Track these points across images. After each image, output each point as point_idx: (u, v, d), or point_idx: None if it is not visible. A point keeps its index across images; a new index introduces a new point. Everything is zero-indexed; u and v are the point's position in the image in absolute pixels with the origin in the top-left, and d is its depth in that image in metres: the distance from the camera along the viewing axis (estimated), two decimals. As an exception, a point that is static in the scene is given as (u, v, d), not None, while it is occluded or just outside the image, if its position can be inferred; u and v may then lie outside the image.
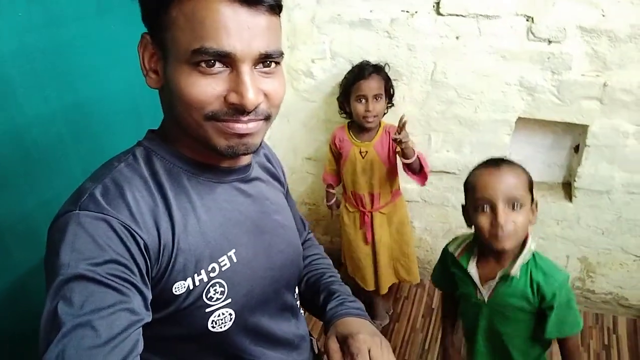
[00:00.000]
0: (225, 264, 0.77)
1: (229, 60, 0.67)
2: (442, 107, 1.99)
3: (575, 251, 2.15)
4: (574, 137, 2.02)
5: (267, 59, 0.70)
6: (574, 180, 2.01)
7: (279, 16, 0.72)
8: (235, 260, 0.79)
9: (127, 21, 1.36)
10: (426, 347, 2.19)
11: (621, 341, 2.14)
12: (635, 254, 2.06)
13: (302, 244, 1.10)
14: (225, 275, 0.77)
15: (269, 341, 0.88)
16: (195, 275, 0.74)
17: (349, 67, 2.01)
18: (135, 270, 0.67)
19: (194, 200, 0.76)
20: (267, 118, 0.73)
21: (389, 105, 1.96)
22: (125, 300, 0.64)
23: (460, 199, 2.19)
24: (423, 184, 1.94)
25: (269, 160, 0.95)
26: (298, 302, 0.99)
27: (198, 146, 0.75)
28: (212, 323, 0.77)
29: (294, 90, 2.13)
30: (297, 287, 0.98)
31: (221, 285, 0.77)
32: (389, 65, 1.93)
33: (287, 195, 1.01)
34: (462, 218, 2.25)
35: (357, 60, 1.98)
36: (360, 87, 1.85)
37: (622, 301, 2.20)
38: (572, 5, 1.68)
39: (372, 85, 1.84)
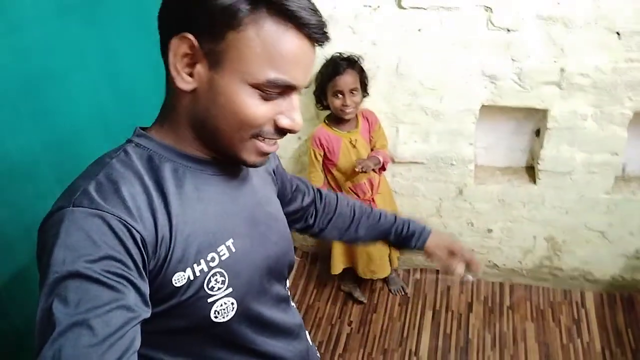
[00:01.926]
0: (225, 254, 0.78)
1: (288, 90, 0.72)
2: (408, 99, 2.02)
3: (542, 231, 2.23)
4: (535, 121, 2.09)
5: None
6: (537, 163, 2.08)
7: None
8: (234, 249, 0.80)
9: (88, 22, 1.33)
10: (405, 334, 2.23)
11: (590, 314, 2.24)
12: (598, 230, 2.16)
13: (317, 201, 1.16)
14: (225, 265, 0.78)
15: (271, 330, 0.90)
16: (195, 265, 0.75)
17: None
18: (132, 265, 0.67)
19: (189, 192, 0.76)
20: None
21: (365, 95, 2.01)
22: (121, 298, 0.64)
23: (430, 188, 2.25)
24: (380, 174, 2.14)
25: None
26: (289, 292, 1.01)
27: (203, 145, 0.77)
28: (214, 313, 0.78)
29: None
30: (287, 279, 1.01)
31: (222, 275, 0.78)
32: (362, 58, 1.96)
33: (277, 171, 1.04)
34: (432, 206, 2.31)
35: (322, 56, 1.99)
36: (337, 83, 1.91)
37: (588, 276, 2.29)
38: (528, -6, 1.74)
39: (347, 81, 1.90)
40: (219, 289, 0.77)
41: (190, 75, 0.71)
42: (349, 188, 2.10)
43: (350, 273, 2.35)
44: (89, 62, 1.32)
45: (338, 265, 2.27)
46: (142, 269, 0.69)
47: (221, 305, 0.78)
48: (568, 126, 1.95)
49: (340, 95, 1.93)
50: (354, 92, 1.93)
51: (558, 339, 2.15)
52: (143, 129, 0.81)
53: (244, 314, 0.83)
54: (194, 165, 0.78)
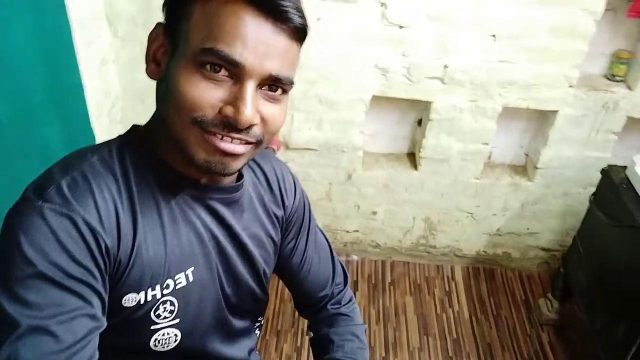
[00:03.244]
0: (181, 282, 0.75)
1: (236, 71, 0.63)
2: (305, 88, 2.06)
3: (420, 213, 2.43)
4: (418, 112, 2.26)
5: (276, 83, 0.67)
6: (419, 151, 2.25)
7: (300, 47, 0.70)
8: (191, 279, 0.76)
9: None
10: (296, 315, 2.30)
11: (459, 286, 2.50)
12: (467, 211, 2.40)
13: (326, 305, 1.05)
14: (179, 294, 0.75)
15: None
16: (149, 289, 0.71)
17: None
18: (97, 273, 0.64)
19: (161, 210, 0.72)
20: (259, 143, 0.70)
21: None
22: (85, 306, 0.62)
23: (321, 173, 2.32)
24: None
25: (274, 195, 0.90)
26: (256, 324, 0.98)
27: (178, 154, 0.70)
28: (154, 342, 0.75)
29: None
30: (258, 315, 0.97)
31: (172, 304, 0.74)
32: None
33: (299, 237, 0.96)
34: (322, 190, 2.39)
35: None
36: None
37: (457, 252, 2.55)
38: (420, -6, 1.86)
39: None
40: (165, 317, 0.74)
41: (159, 65, 0.69)
42: None
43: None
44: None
45: None
46: (105, 278, 0.66)
47: (163, 334, 0.75)
48: (447, 118, 2.13)
49: None
50: None
51: (433, 310, 2.37)
52: (137, 127, 0.76)
53: (187, 347, 0.80)
54: (172, 180, 0.73)
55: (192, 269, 0.76)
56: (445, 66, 2.00)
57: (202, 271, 0.78)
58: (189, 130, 0.65)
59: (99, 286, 0.64)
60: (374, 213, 2.44)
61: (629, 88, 2.02)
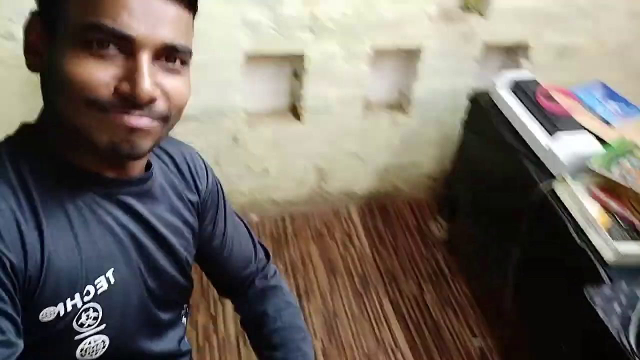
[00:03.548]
0: (102, 286, 0.71)
1: (127, 44, 0.60)
2: (174, 55, 1.97)
3: (311, 163, 2.48)
4: (293, 64, 2.26)
5: (173, 54, 0.64)
6: (300, 103, 2.27)
7: (192, 15, 0.68)
8: (112, 281, 0.73)
9: None
10: (205, 283, 2.29)
11: (357, 225, 2.61)
12: (354, 153, 2.49)
13: (253, 282, 1.04)
14: (101, 299, 0.72)
15: None
16: (68, 299, 0.68)
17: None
18: (5, 296, 0.60)
19: (69, 214, 0.68)
20: (165, 119, 0.67)
21: None
22: None
23: (206, 140, 2.27)
24: None
25: (186, 180, 0.87)
26: (182, 312, 0.95)
27: (79, 147, 0.66)
28: (81, 352, 0.72)
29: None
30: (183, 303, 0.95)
31: (95, 310, 0.71)
32: None
33: (217, 219, 0.95)
34: (210, 157, 2.33)
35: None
36: None
37: (351, 194, 2.65)
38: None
39: None
40: (89, 325, 0.71)
41: (40, 55, 0.64)
42: None
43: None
44: None
45: None
46: (15, 298, 0.61)
47: (90, 343, 0.72)
48: (322, 66, 2.15)
49: None
50: None
51: (337, 252, 2.47)
52: (27, 125, 0.70)
53: (117, 351, 0.77)
54: (76, 180, 0.69)
55: (111, 270, 0.73)
56: (313, 15, 2.00)
57: (122, 271, 0.75)
58: (85, 115, 0.62)
59: (10, 309, 0.60)
60: (266, 171, 2.45)
61: (483, 17, 2.16)
